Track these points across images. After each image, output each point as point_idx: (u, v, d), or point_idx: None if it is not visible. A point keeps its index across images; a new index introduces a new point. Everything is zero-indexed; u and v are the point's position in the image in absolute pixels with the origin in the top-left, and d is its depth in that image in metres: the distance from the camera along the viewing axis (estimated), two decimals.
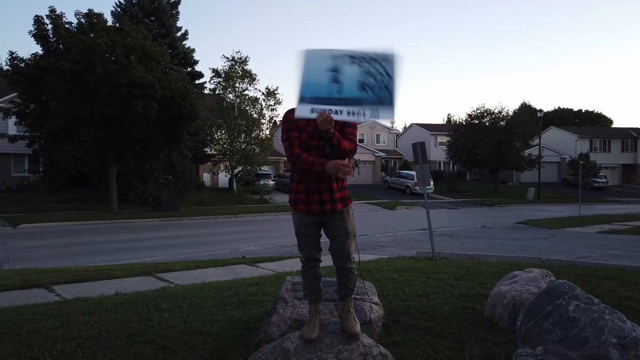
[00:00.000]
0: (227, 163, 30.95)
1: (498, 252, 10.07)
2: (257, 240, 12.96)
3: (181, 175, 25.62)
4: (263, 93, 30.58)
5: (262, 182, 31.05)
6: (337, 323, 3.15)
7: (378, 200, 29.68)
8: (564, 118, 64.94)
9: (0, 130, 21.55)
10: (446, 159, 44.78)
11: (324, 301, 3.33)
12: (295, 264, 8.16)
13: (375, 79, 2.79)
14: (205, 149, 30.69)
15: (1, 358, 3.45)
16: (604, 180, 44.34)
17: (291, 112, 2.89)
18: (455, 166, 47.96)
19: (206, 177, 36.05)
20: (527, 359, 2.77)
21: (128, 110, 18.68)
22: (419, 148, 9.26)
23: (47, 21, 19.54)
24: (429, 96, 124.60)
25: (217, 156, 31.26)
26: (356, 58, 2.78)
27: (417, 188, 32.19)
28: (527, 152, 40.67)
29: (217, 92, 30.52)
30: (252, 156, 29.79)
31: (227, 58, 29.90)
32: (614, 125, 66.44)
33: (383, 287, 5.29)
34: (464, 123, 40.80)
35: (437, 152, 47.98)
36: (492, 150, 37.89)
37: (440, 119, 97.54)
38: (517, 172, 43.46)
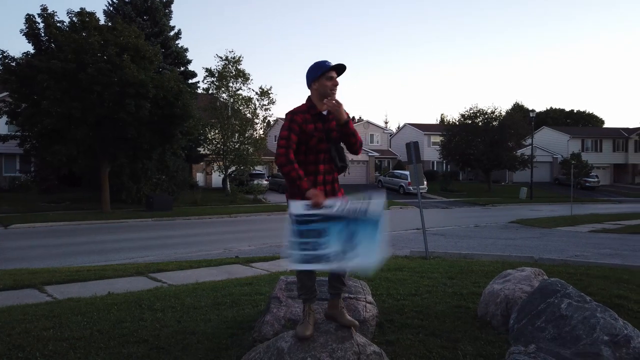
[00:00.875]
0: (221, 163, 30.86)
1: (491, 251, 10.12)
2: (251, 240, 12.93)
3: (174, 175, 25.52)
4: (257, 93, 30.55)
5: (255, 182, 31.00)
6: (330, 322, 3.14)
7: None
8: (556, 118, 65.38)
9: None
10: (439, 158, 44.93)
11: (318, 300, 3.33)
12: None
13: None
14: (199, 149, 30.59)
15: None
16: (596, 179, 44.68)
17: (297, 112, 2.93)
18: (449, 166, 48.15)
19: (199, 177, 35.93)
20: (520, 357, 2.78)
21: (121, 109, 18.58)
22: (413, 148, 9.28)
23: (38, 20, 19.41)
24: (423, 96, 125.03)
25: (211, 156, 31.16)
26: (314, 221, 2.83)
27: (411, 188, 32.26)
28: (519, 152, 40.90)
29: (210, 91, 30.44)
30: (246, 156, 29.72)
31: (221, 57, 29.84)
32: (605, 126, 66.97)
33: (377, 286, 5.30)
34: (457, 123, 40.95)
35: (431, 152, 48.13)
36: (485, 150, 38.08)
37: (433, 119, 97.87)
38: (509, 171, 43.69)
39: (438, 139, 45.50)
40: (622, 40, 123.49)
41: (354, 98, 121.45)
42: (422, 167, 10.56)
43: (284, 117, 3.07)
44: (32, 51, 19.67)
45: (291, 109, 3.02)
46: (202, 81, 30.74)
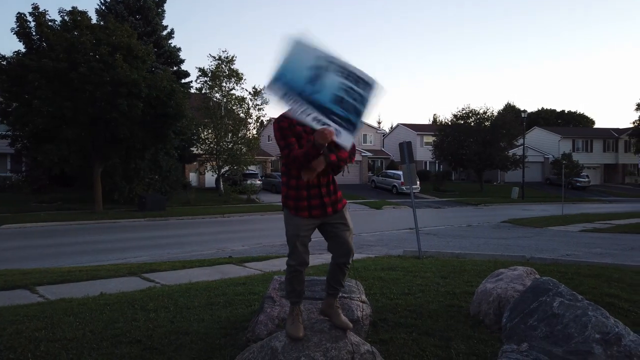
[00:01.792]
0: (214, 163, 30.75)
1: (483, 251, 10.17)
2: (244, 240, 12.91)
3: (167, 175, 25.40)
4: (250, 92, 30.46)
5: (249, 181, 30.93)
6: (324, 322, 3.15)
7: (365, 200, 29.75)
8: (547, 118, 65.82)
9: None
10: (432, 158, 45.09)
11: (312, 300, 3.34)
12: (283, 264, 8.12)
13: (352, 98, 2.75)
14: (192, 149, 30.46)
15: None
16: (586, 179, 45.03)
17: (283, 119, 2.90)
18: (441, 166, 48.32)
19: (192, 177, 35.78)
20: (512, 355, 2.81)
21: (113, 109, 18.46)
22: (406, 148, 9.30)
23: (30, 19, 19.25)
24: (415, 96, 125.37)
25: (204, 156, 31.04)
26: (345, 72, 2.73)
27: (404, 187, 32.38)
28: (511, 152, 41.14)
29: (203, 91, 30.32)
30: (239, 156, 29.64)
31: (214, 57, 29.74)
32: (596, 126, 67.54)
33: (370, 285, 5.31)
34: (450, 123, 41.13)
35: (423, 152, 48.28)
36: (477, 150, 38.26)
37: (426, 119, 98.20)
38: (501, 171, 43.94)
39: (431, 139, 45.67)
40: (613, 41, 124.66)
41: None
42: (415, 167, 10.59)
43: (273, 122, 3.02)
44: (23, 50, 19.51)
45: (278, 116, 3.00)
46: (195, 81, 30.63)
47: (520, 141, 39.08)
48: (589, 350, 2.71)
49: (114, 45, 19.26)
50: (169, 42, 31.91)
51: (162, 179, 25.19)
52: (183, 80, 31.60)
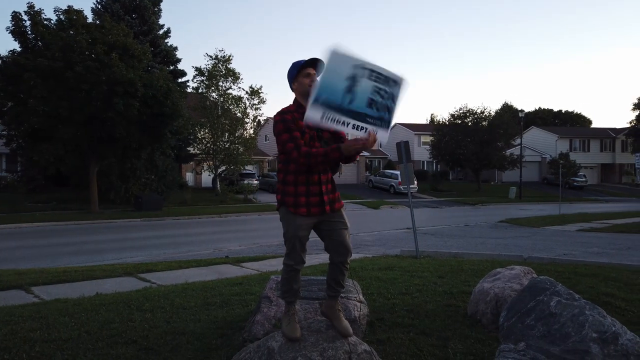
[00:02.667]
0: (211, 162, 30.72)
1: (481, 250, 10.17)
2: (241, 240, 12.88)
3: (163, 175, 25.35)
4: (247, 92, 30.45)
5: (246, 181, 30.90)
6: (321, 321, 3.13)
7: (362, 200, 29.76)
8: (544, 118, 66.02)
9: None
10: (429, 158, 45.13)
11: (309, 300, 3.32)
12: (279, 264, 8.08)
13: (382, 98, 2.78)
14: (188, 148, 30.42)
15: None
16: (584, 179, 45.17)
17: (286, 112, 2.88)
18: (439, 166, 48.39)
19: (189, 177, 35.73)
20: (510, 354, 2.80)
21: (109, 108, 18.41)
22: (403, 147, 9.29)
23: (25, 17, 19.19)
24: (413, 96, 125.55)
25: (200, 155, 31.01)
26: (375, 74, 2.72)
27: (401, 187, 32.37)
28: (508, 151, 41.23)
29: (200, 90, 30.29)
30: (236, 155, 29.62)
31: (210, 56, 29.71)
32: (593, 126, 67.86)
33: (368, 285, 5.30)
34: (447, 123, 41.20)
35: (421, 152, 48.34)
36: (474, 150, 38.32)
37: (423, 119, 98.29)
38: (499, 171, 44.04)
39: (428, 138, 45.73)
40: (610, 41, 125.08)
41: None
42: (413, 166, 10.59)
43: (273, 116, 3.01)
44: (19, 49, 19.44)
45: (279, 110, 2.98)
46: (192, 80, 30.64)
47: (518, 141, 39.18)
48: (586, 350, 2.70)
49: (110, 44, 19.20)
50: (166, 41, 31.85)
51: (159, 179, 25.13)
52: (179, 80, 31.55)
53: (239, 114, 30.38)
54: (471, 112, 40.58)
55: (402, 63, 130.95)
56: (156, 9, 31.32)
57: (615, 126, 58.62)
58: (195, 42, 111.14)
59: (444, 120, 42.48)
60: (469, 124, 40.28)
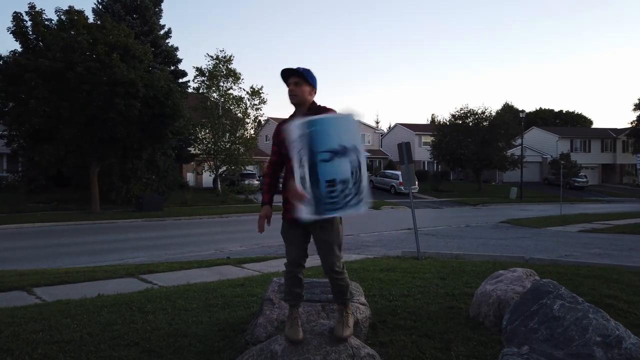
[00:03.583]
0: (211, 163, 30.72)
1: (482, 251, 10.17)
2: (242, 241, 12.87)
3: (164, 175, 25.36)
4: (247, 92, 30.43)
5: (246, 181, 30.92)
6: (324, 325, 3.13)
7: None
8: (545, 118, 65.96)
9: None
10: (430, 158, 45.14)
11: (312, 302, 3.31)
12: (281, 265, 8.07)
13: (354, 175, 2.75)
14: (189, 149, 30.44)
15: None
16: (585, 180, 45.14)
17: (281, 122, 2.95)
18: (439, 166, 48.39)
19: (190, 177, 35.75)
20: (513, 358, 2.79)
21: (110, 109, 18.41)
22: (404, 148, 9.28)
23: (26, 18, 19.20)
24: (413, 96, 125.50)
25: (201, 156, 31.01)
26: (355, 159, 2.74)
27: (402, 188, 32.31)
28: (509, 152, 41.22)
29: (201, 91, 30.29)
30: (237, 156, 29.61)
31: (211, 57, 29.69)
32: (593, 126, 67.80)
33: (369, 287, 5.29)
34: (448, 123, 41.19)
35: (422, 152, 48.34)
36: (475, 150, 38.31)
37: (424, 119, 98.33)
38: (500, 171, 44.03)
39: (429, 139, 45.74)
40: (611, 41, 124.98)
41: (345, 98, 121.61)
42: (414, 167, 10.57)
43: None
44: (20, 49, 19.45)
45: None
46: (193, 80, 30.64)
47: (519, 141, 39.15)
48: (590, 353, 2.69)
49: (111, 44, 19.21)
50: (166, 41, 31.85)
51: (160, 179, 25.15)
52: (180, 80, 31.55)
53: (239, 114, 30.38)
54: (472, 113, 40.59)
55: (403, 63, 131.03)
56: (157, 9, 31.33)
57: (616, 126, 58.63)
58: (196, 43, 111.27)
59: (444, 120, 42.52)
60: (470, 124, 40.27)
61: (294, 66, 2.94)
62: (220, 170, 31.04)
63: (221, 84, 29.89)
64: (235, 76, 29.90)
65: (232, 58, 29.70)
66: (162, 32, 31.60)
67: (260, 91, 30.43)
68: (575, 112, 70.95)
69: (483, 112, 40.46)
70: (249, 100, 30.49)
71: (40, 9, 19.36)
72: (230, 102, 30.08)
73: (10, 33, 19.12)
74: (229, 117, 29.67)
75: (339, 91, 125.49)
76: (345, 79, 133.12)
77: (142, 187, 24.22)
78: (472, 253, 9.52)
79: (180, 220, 19.65)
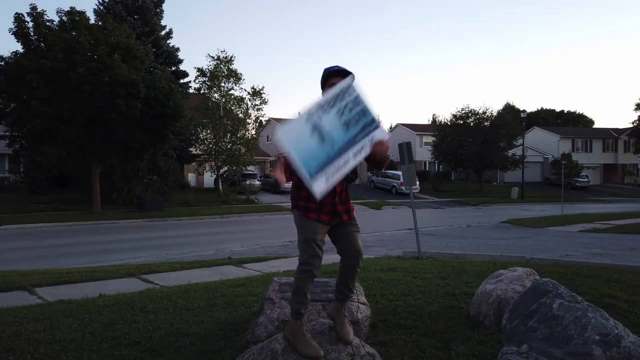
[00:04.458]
0: (213, 163, 30.76)
1: (483, 251, 10.17)
2: (243, 241, 12.89)
3: (166, 176, 25.39)
4: (249, 93, 30.48)
5: (248, 182, 30.93)
6: (324, 324, 3.14)
7: (364, 200, 29.75)
8: (546, 118, 65.89)
9: None
10: (431, 159, 45.11)
11: (312, 302, 3.32)
12: (282, 265, 8.13)
13: (351, 110, 2.72)
14: (190, 149, 30.47)
15: None
16: (586, 179, 45.08)
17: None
18: (441, 166, 48.35)
19: (191, 177, 35.77)
20: (512, 357, 2.80)
21: (111, 109, 18.45)
22: (405, 148, 9.28)
23: (28, 19, 19.23)
24: (415, 96, 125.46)
25: (203, 156, 31.05)
26: (325, 106, 2.67)
27: (403, 188, 32.33)
28: (510, 152, 41.18)
29: (202, 91, 30.33)
30: (238, 156, 29.65)
31: (212, 57, 29.75)
32: (595, 126, 67.67)
33: (370, 286, 5.31)
34: (449, 123, 41.16)
35: (423, 152, 48.30)
36: (476, 150, 38.27)
37: (425, 119, 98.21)
38: (501, 171, 43.98)
39: (430, 139, 45.71)
40: (612, 41, 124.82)
41: None
42: (415, 167, 10.57)
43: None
44: (21, 50, 19.48)
45: None
46: (194, 81, 30.70)
47: (520, 141, 39.11)
48: (589, 352, 2.70)
49: (112, 45, 19.25)
50: (168, 42, 31.88)
51: (161, 180, 25.18)
52: (182, 81, 31.58)
53: (240, 115, 30.42)
54: (473, 113, 40.56)
55: (403, 63, 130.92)
56: (158, 10, 31.36)
57: (617, 126, 58.50)
58: (197, 43, 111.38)
59: (445, 120, 42.47)
60: (471, 124, 40.24)
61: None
62: (221, 171, 31.07)
63: (222, 84, 29.93)
64: (236, 77, 29.94)
65: (233, 58, 29.75)
66: (163, 32, 31.63)
67: (262, 91, 30.49)
68: (577, 112, 70.91)
69: (484, 112, 40.43)
70: (250, 100, 30.55)
71: (42, 10, 19.41)
72: (231, 103, 30.12)
73: (11, 34, 19.16)
74: (230, 118, 29.71)
75: None
76: None
77: (144, 188, 24.25)
78: (473, 253, 9.52)
79: (182, 220, 19.67)
